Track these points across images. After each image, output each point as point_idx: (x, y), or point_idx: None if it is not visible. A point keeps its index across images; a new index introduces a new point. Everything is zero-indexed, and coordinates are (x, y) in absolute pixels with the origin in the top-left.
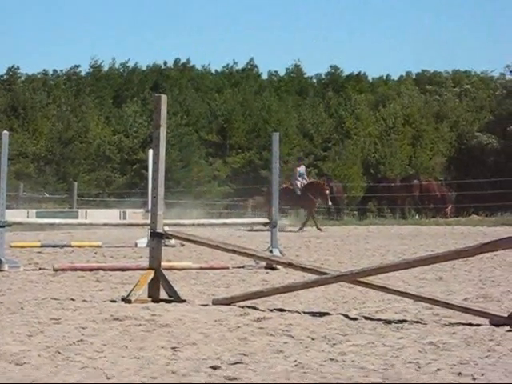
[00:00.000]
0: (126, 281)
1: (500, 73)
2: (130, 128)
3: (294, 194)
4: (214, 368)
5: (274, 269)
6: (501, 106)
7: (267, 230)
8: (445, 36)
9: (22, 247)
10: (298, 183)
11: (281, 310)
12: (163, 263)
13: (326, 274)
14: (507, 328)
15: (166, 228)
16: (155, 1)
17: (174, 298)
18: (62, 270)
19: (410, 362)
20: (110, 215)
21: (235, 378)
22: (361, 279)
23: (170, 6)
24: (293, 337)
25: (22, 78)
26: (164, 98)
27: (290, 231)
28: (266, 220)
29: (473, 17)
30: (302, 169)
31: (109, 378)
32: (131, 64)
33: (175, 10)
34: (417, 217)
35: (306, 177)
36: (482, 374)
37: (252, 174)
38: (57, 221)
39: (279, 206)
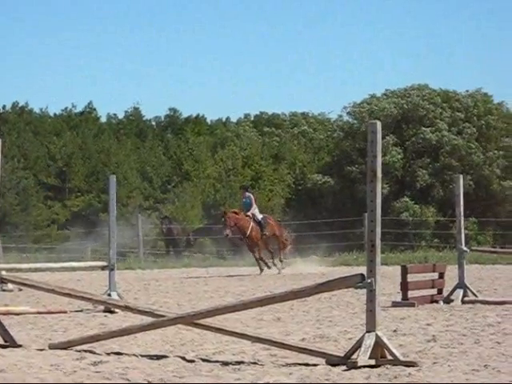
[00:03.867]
0: None
1: (338, 114)
2: None
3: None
4: None
5: (112, 312)
6: (338, 148)
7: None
8: (282, 77)
9: None
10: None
11: (118, 353)
12: (0, 308)
13: (163, 316)
14: (343, 368)
15: (3, 272)
16: None
17: (10, 343)
18: None
19: None
20: None
21: None
22: (198, 321)
23: (8, 47)
24: (129, 380)
25: None
26: None
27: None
28: (104, 263)
29: (310, 58)
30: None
31: None
32: None
33: (14, 50)
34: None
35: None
36: None
37: (92, 217)
38: None
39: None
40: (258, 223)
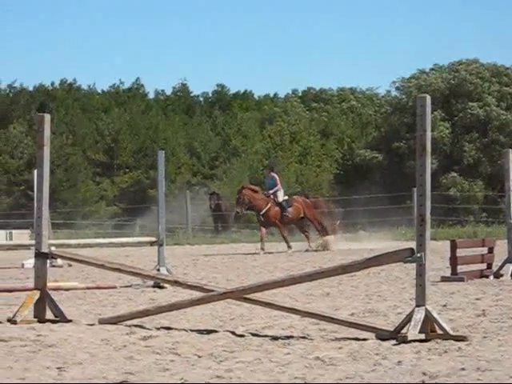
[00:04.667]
0: (12, 302)
1: (386, 89)
2: (15, 149)
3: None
4: None
5: (161, 287)
6: (386, 123)
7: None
8: (330, 53)
9: None
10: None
11: (167, 328)
12: (49, 283)
13: (212, 291)
14: (393, 342)
15: (53, 248)
16: (40, 19)
17: (60, 318)
18: None
19: (296, 378)
20: None
21: None
22: (247, 296)
23: (56, 25)
24: (179, 355)
25: None
26: (47, 117)
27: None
28: (153, 239)
29: (358, 33)
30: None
31: None
32: (17, 85)
33: (61, 28)
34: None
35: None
36: None
37: (139, 193)
38: None
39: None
40: (279, 204)
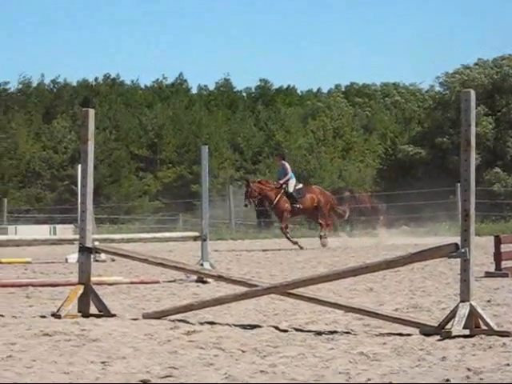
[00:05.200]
0: (56, 296)
1: (429, 85)
2: (59, 144)
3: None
4: (144, 382)
5: (204, 282)
6: (430, 118)
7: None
8: (373, 48)
9: None
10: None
11: (211, 323)
12: (93, 278)
13: (256, 286)
14: (437, 337)
15: (96, 243)
16: (83, 16)
17: (104, 312)
18: None
19: (340, 373)
20: (40, 231)
21: None
22: (291, 291)
23: (98, 21)
24: (223, 349)
25: None
26: (91, 112)
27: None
28: (197, 234)
29: (401, 28)
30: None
31: None
32: (61, 80)
33: (104, 24)
34: (348, 229)
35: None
36: None
37: (183, 188)
38: None
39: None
40: (289, 194)
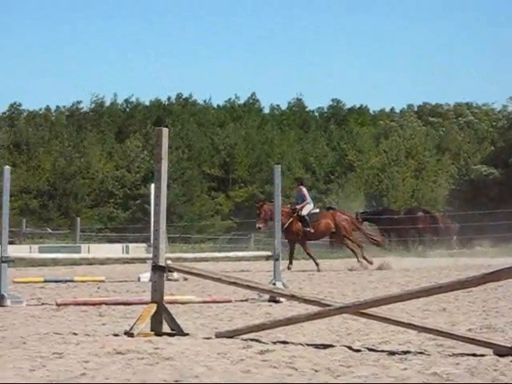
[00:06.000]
0: (128, 315)
1: (502, 104)
2: (132, 163)
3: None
4: None
5: (277, 301)
6: (502, 138)
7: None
8: (447, 68)
9: (24, 282)
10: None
11: (284, 342)
12: (166, 297)
13: (329, 305)
14: (511, 358)
15: (169, 262)
16: (157, 36)
17: (177, 331)
18: (65, 304)
19: None
20: (113, 250)
21: None
22: (364, 311)
23: (172, 41)
24: (296, 369)
25: (24, 115)
26: (165, 131)
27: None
28: (269, 253)
29: (475, 49)
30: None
31: None
32: (134, 99)
33: (177, 44)
34: (420, 248)
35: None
36: None
37: (255, 207)
38: (59, 256)
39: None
40: (302, 218)
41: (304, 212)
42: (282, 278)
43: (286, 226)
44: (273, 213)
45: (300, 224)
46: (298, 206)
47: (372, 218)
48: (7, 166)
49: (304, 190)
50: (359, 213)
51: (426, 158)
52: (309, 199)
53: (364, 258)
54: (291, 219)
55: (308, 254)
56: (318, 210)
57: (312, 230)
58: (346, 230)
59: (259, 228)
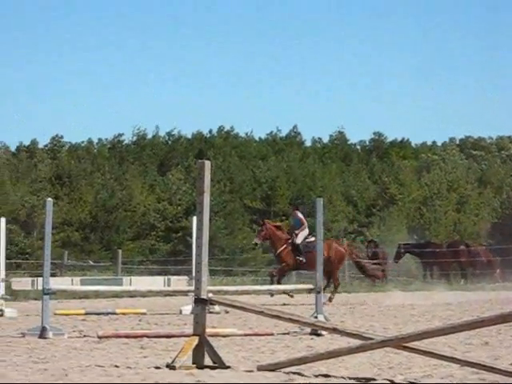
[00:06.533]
0: (170, 347)
1: None
2: (174, 195)
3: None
4: None
5: (318, 335)
6: None
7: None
8: (489, 101)
9: (66, 315)
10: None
11: (326, 375)
12: (208, 330)
13: (371, 339)
14: None
15: (210, 294)
16: (199, 68)
17: (219, 364)
18: (107, 337)
19: None
20: (155, 282)
21: None
22: (406, 344)
23: (212, 74)
24: None
25: (66, 147)
26: (208, 164)
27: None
28: (311, 286)
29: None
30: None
31: None
32: (176, 132)
33: (219, 77)
34: (462, 282)
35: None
36: None
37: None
38: (101, 288)
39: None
40: (296, 246)
41: (298, 240)
42: (324, 311)
43: (278, 251)
44: (272, 234)
45: (292, 253)
46: (296, 231)
47: (414, 250)
48: (49, 199)
49: (300, 214)
50: (402, 244)
51: (467, 192)
52: (305, 225)
53: (331, 293)
54: (284, 246)
55: (271, 279)
56: (313, 239)
57: (304, 260)
58: (333, 265)
59: (255, 244)
